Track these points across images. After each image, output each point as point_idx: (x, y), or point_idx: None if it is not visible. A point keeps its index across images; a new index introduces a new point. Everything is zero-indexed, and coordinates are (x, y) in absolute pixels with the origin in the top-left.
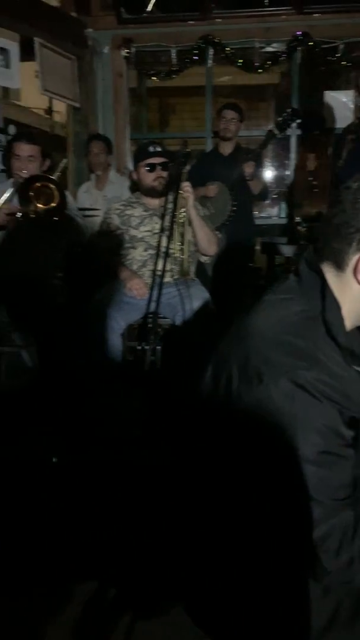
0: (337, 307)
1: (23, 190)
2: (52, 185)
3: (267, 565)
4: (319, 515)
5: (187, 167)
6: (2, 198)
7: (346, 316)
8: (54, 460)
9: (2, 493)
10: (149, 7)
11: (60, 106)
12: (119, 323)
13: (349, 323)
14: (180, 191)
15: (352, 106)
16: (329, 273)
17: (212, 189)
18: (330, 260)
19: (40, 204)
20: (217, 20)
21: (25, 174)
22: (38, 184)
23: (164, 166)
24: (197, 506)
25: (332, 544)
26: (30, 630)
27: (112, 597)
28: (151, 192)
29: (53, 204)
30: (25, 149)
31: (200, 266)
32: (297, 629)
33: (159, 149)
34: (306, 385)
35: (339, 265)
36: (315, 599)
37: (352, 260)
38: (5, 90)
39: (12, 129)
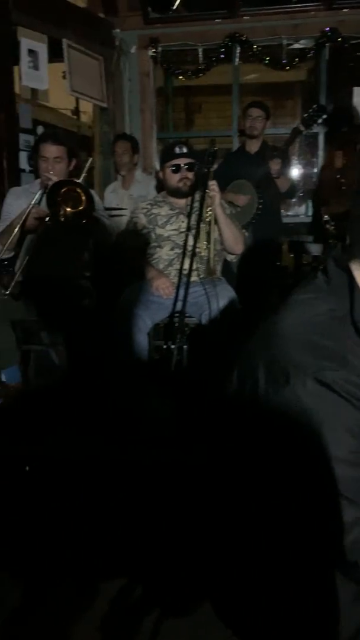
0: None
1: (51, 195)
2: (79, 189)
3: (297, 566)
4: (351, 515)
5: (214, 166)
6: (32, 201)
7: None
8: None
9: (31, 490)
10: (175, 6)
11: (86, 106)
12: (145, 322)
13: None
14: (207, 190)
15: None
16: (358, 271)
17: (242, 199)
18: (359, 258)
19: (68, 207)
20: (244, 17)
21: (52, 175)
22: (65, 188)
23: (189, 167)
24: (227, 505)
25: None
26: (57, 627)
27: (139, 595)
28: (176, 193)
29: (81, 207)
30: (51, 150)
31: (226, 265)
32: (325, 632)
33: (184, 149)
34: (334, 385)
35: None
36: (345, 604)
37: None
38: (34, 91)
39: (40, 130)
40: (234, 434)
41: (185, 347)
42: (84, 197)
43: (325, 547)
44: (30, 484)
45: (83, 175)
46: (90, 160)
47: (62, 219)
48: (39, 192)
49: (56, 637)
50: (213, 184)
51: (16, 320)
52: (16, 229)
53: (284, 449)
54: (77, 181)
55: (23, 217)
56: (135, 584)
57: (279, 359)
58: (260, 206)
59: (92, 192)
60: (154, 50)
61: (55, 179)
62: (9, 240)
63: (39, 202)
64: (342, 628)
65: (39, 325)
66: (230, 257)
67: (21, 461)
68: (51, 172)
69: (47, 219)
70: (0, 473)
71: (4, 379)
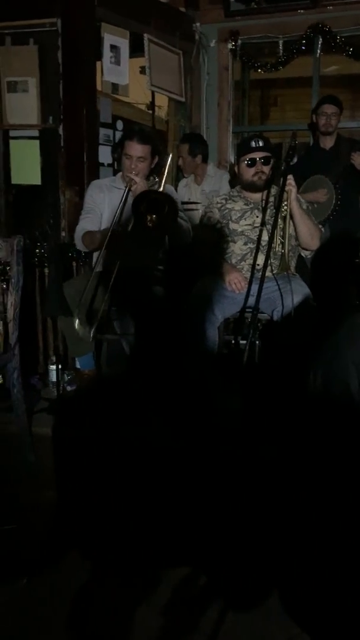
0: None
1: (136, 205)
2: (161, 197)
3: None
4: None
5: (294, 160)
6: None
7: None
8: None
9: (102, 477)
10: None
11: (162, 101)
12: (216, 316)
13: None
14: (280, 185)
15: None
16: None
17: (322, 193)
18: None
19: (153, 215)
20: (328, 7)
21: (134, 175)
22: (150, 197)
23: (265, 161)
24: (302, 500)
25: None
26: (121, 610)
27: (203, 585)
28: (251, 187)
29: (164, 213)
30: (137, 149)
31: (300, 261)
32: None
33: (260, 143)
34: None
35: None
36: None
37: None
38: (114, 86)
39: (119, 125)
40: (320, 431)
41: (257, 342)
42: (166, 205)
43: None
44: (101, 467)
45: (165, 173)
46: (170, 157)
47: (149, 225)
48: (125, 193)
49: (120, 619)
50: (290, 179)
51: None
52: (100, 240)
53: None
54: (160, 192)
55: (108, 236)
56: (199, 573)
57: None
58: (338, 202)
59: (173, 192)
60: (233, 43)
61: (137, 179)
62: (91, 243)
63: (123, 203)
64: None
65: (112, 315)
66: (305, 253)
67: (93, 444)
68: (134, 172)
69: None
70: (73, 456)
71: (78, 366)
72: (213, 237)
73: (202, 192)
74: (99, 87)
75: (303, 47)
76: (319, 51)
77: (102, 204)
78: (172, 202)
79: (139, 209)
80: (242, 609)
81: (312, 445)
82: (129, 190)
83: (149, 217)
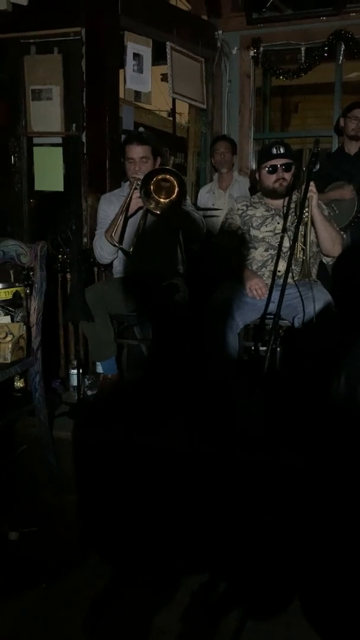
0: None
1: (144, 187)
2: (169, 177)
3: None
4: None
5: (317, 167)
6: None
7: None
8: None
9: (122, 482)
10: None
11: (183, 108)
12: (236, 322)
13: None
14: (302, 191)
15: None
16: None
17: (347, 192)
18: None
19: (162, 198)
20: (351, 14)
21: (141, 175)
22: (157, 177)
23: (286, 168)
24: (325, 506)
25: None
26: (140, 615)
27: (222, 591)
28: (272, 194)
29: (174, 195)
30: (137, 151)
31: (322, 267)
32: None
33: (282, 150)
34: None
35: None
36: None
37: None
38: (137, 94)
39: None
40: (344, 437)
41: (278, 349)
42: (175, 182)
43: None
44: (121, 472)
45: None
46: (173, 158)
47: (159, 211)
48: (130, 193)
49: (139, 625)
50: (312, 185)
51: (113, 315)
52: (120, 218)
53: None
54: (165, 167)
55: (125, 205)
56: (219, 580)
57: None
58: None
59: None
60: (255, 50)
61: (142, 177)
62: (114, 231)
63: (128, 204)
64: None
65: (132, 319)
66: (326, 260)
67: (113, 448)
68: (139, 173)
69: (144, 208)
70: (94, 459)
71: (100, 370)
72: (234, 243)
73: (230, 197)
74: (121, 95)
75: (325, 54)
76: (341, 57)
77: (115, 213)
78: (181, 178)
79: (147, 189)
80: (262, 617)
81: (335, 453)
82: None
83: (157, 200)
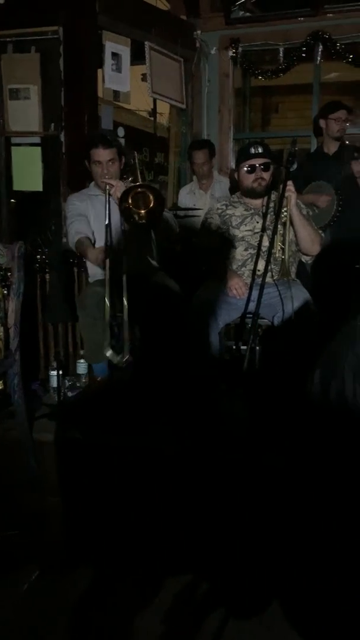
0: None
1: (121, 204)
2: (143, 189)
3: None
4: None
5: (294, 166)
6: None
7: None
8: None
9: (104, 483)
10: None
11: (163, 108)
12: (217, 322)
13: None
14: (281, 191)
15: None
16: None
17: (323, 200)
18: None
19: (141, 210)
20: (328, 15)
21: (110, 180)
22: (132, 193)
23: (265, 167)
24: (302, 504)
25: None
26: (122, 616)
27: (204, 592)
28: (251, 193)
29: (152, 205)
30: (104, 154)
31: (301, 266)
32: None
33: (260, 150)
34: None
35: None
36: None
37: None
38: (116, 93)
39: (121, 132)
40: (318, 434)
41: (257, 348)
42: (151, 195)
43: None
44: (103, 473)
45: (138, 170)
46: (136, 155)
47: (140, 222)
48: (107, 200)
49: (123, 625)
50: (289, 185)
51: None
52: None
53: None
54: (141, 183)
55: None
56: (201, 580)
57: None
58: (340, 208)
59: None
60: (234, 50)
61: (114, 182)
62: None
63: (109, 210)
64: None
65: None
66: (305, 259)
67: (94, 450)
68: (107, 176)
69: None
70: (75, 461)
71: (83, 371)
72: (214, 243)
73: (212, 197)
74: (100, 95)
75: (303, 55)
76: (319, 58)
77: (87, 210)
78: (156, 191)
79: (125, 207)
80: (243, 617)
81: (311, 452)
82: (109, 195)
83: (137, 213)
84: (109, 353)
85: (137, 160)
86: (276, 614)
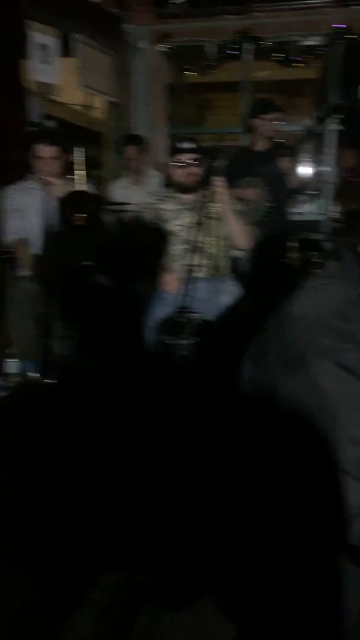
0: None
1: (63, 210)
2: (80, 191)
3: (304, 553)
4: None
5: (220, 163)
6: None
7: None
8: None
9: (37, 479)
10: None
11: (98, 102)
12: (151, 317)
13: None
14: (212, 186)
15: None
16: None
17: (251, 193)
18: None
19: (80, 213)
20: (255, 14)
21: (50, 178)
22: (74, 197)
23: (195, 162)
24: (233, 496)
25: None
26: (57, 617)
27: (139, 588)
28: (183, 188)
29: (92, 208)
30: (47, 151)
31: (233, 261)
32: (331, 619)
33: (190, 145)
34: (350, 366)
35: None
36: (351, 590)
37: None
38: (44, 85)
39: (51, 124)
40: (252, 421)
41: (191, 342)
42: (89, 197)
43: (332, 532)
44: (35, 474)
45: (80, 168)
46: (75, 152)
47: (81, 224)
48: (44, 197)
49: (57, 627)
50: (219, 180)
51: (36, 314)
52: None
53: (299, 429)
54: (83, 190)
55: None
56: (135, 577)
57: (295, 344)
58: (269, 204)
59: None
60: (164, 45)
61: (53, 181)
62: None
63: (46, 208)
64: (348, 614)
65: (55, 318)
66: (237, 254)
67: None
68: (47, 173)
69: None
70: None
71: (15, 370)
72: (147, 239)
73: (145, 192)
74: (27, 86)
75: (232, 52)
76: (248, 56)
77: (24, 204)
78: (96, 195)
79: (66, 211)
80: (177, 610)
81: (241, 447)
82: (48, 192)
83: (77, 217)
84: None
85: (80, 159)
86: (210, 606)
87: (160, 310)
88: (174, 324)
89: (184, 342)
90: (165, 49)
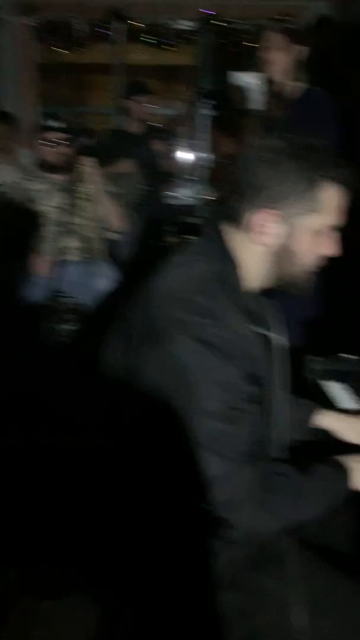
0: (233, 266)
1: None
2: None
3: (173, 531)
4: (221, 470)
5: (90, 142)
6: None
7: (251, 276)
8: None
9: None
10: None
11: None
12: (24, 301)
13: (256, 283)
14: (81, 166)
15: (260, 89)
16: (229, 233)
17: (123, 166)
18: (229, 219)
19: None
20: None
21: None
22: None
23: (64, 142)
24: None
25: (235, 499)
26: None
27: (17, 580)
28: (51, 168)
29: None
30: None
31: (109, 244)
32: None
33: (60, 124)
34: (209, 341)
35: (237, 224)
36: (217, 552)
37: (249, 218)
38: None
39: None
40: (116, 401)
41: (65, 327)
42: None
43: (197, 504)
44: None
45: None
46: None
47: None
48: None
49: None
50: (89, 161)
51: None
52: None
53: (160, 406)
54: None
55: None
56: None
57: (156, 318)
58: (143, 187)
59: None
60: (31, 19)
61: None
62: None
63: None
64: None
65: None
66: (112, 236)
67: None
68: None
69: None
70: None
71: None
72: (16, 219)
73: (15, 171)
74: None
75: (104, 31)
76: (118, 36)
77: None
78: None
79: None
80: (52, 598)
81: (105, 433)
82: None
83: None
84: None
85: None
86: (83, 592)
87: (33, 295)
88: (49, 309)
89: (63, 327)
90: (32, 23)
